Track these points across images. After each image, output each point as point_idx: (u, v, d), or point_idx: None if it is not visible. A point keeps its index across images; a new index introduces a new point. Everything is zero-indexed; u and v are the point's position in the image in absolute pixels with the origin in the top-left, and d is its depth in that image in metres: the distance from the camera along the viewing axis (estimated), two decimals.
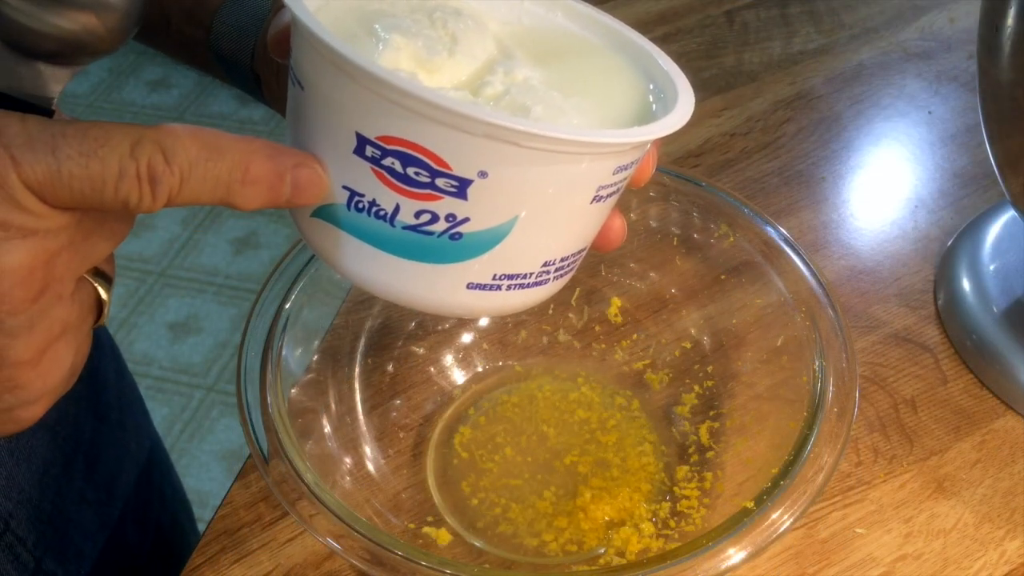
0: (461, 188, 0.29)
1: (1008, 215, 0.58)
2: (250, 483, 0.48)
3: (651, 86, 0.35)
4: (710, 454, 0.47)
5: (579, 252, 0.35)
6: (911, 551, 0.45)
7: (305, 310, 0.46)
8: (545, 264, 0.33)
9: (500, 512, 0.47)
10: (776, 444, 0.42)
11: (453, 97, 0.28)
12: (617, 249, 0.37)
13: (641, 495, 0.47)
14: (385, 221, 0.30)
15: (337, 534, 0.38)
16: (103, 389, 0.60)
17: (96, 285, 0.30)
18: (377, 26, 0.32)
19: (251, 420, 0.41)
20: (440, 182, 0.29)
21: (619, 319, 0.54)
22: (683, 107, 0.32)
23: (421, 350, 0.53)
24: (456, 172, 0.29)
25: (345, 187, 0.30)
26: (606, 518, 0.46)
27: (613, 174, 0.31)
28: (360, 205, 0.30)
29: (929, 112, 0.69)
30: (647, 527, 0.44)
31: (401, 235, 0.30)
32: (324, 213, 0.31)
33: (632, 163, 0.32)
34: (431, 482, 0.48)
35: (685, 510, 0.45)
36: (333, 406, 0.47)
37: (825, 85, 0.72)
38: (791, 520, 0.38)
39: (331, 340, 0.49)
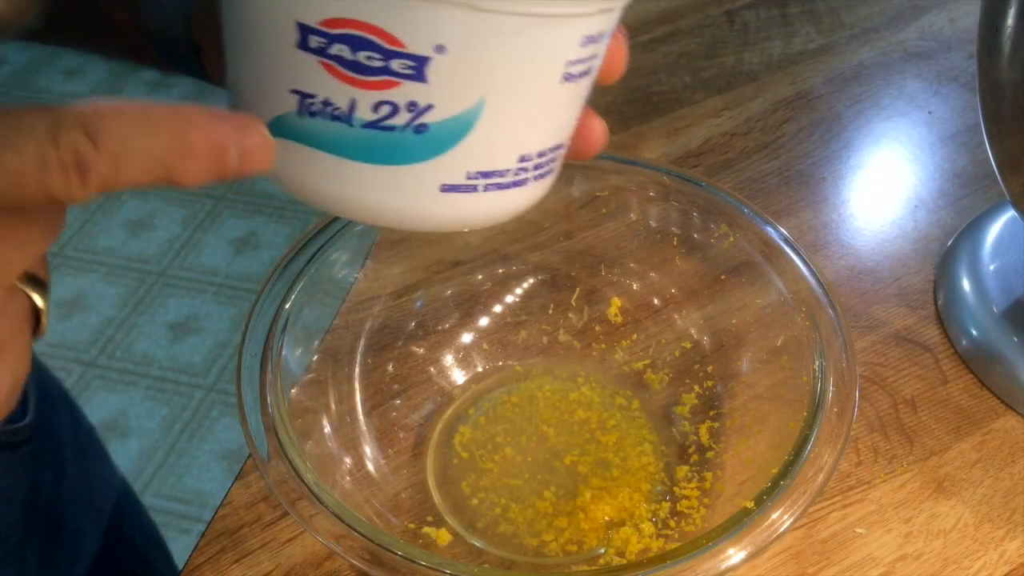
0: (419, 68, 0.27)
1: (1008, 215, 0.58)
2: (250, 483, 0.48)
3: None
4: (710, 454, 0.47)
5: (557, 147, 0.32)
6: (911, 551, 0.45)
7: (305, 310, 0.46)
8: (522, 159, 0.30)
9: (500, 512, 0.47)
10: (776, 444, 0.42)
11: None
12: (596, 153, 0.34)
13: (641, 495, 0.47)
14: (342, 121, 0.28)
15: (337, 534, 0.38)
16: (59, 445, 0.57)
17: (29, 292, 0.27)
18: None
19: (251, 420, 0.41)
20: (395, 64, 0.26)
21: (619, 319, 0.54)
22: None
23: (421, 350, 0.53)
24: (411, 50, 0.26)
25: (293, 91, 0.28)
26: (606, 518, 0.46)
27: (582, 46, 0.29)
28: (312, 108, 0.28)
29: (929, 112, 0.69)
30: (647, 527, 0.44)
31: (362, 135, 0.28)
32: (274, 127, 0.29)
33: (600, 35, 0.29)
34: (431, 482, 0.48)
35: (685, 510, 0.45)
36: (333, 406, 0.47)
37: (825, 85, 0.72)
38: (791, 520, 0.38)
39: (331, 340, 0.49)
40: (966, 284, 0.55)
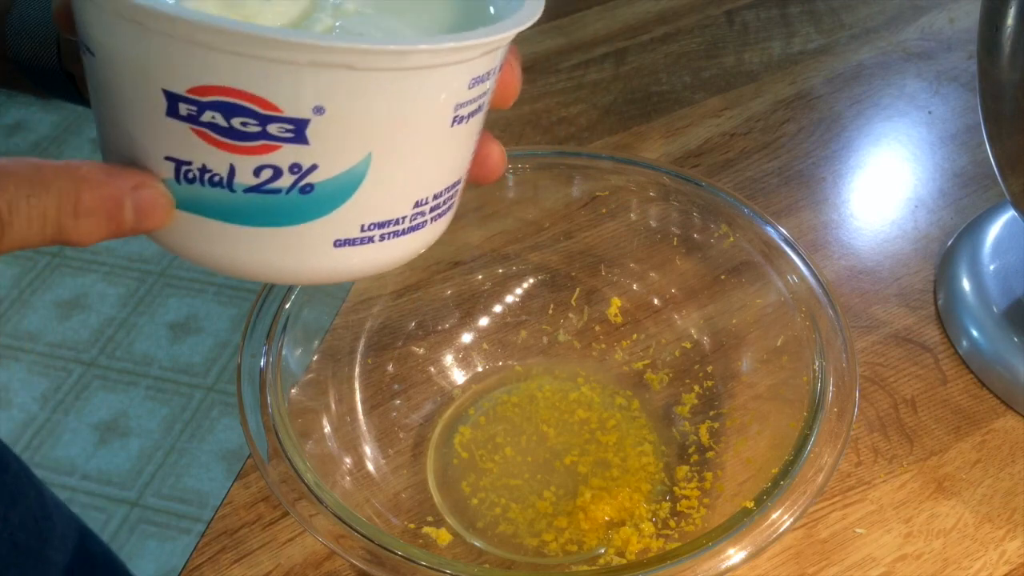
0: (299, 131, 0.25)
1: (1008, 215, 0.58)
2: (250, 483, 0.48)
3: None
4: (710, 454, 0.47)
5: (454, 185, 0.31)
6: (911, 551, 0.45)
7: (305, 310, 0.46)
8: (417, 204, 0.29)
9: (500, 512, 0.47)
10: (776, 444, 0.42)
11: (265, 26, 0.25)
12: (497, 178, 0.33)
13: (641, 495, 0.47)
14: (223, 187, 0.26)
15: (337, 534, 0.38)
16: (18, 528, 0.55)
17: None
18: None
19: (251, 420, 0.41)
20: (273, 128, 0.25)
21: (619, 319, 0.54)
22: (530, 6, 0.28)
23: (421, 350, 0.53)
24: (288, 113, 0.25)
25: (168, 158, 0.26)
26: (606, 518, 0.46)
27: (469, 88, 0.28)
28: (190, 175, 0.26)
29: (929, 112, 0.69)
30: (647, 527, 0.44)
31: (245, 200, 0.26)
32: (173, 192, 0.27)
33: (488, 73, 0.28)
34: (431, 482, 0.48)
35: (685, 510, 0.45)
36: (333, 406, 0.47)
37: (825, 85, 0.72)
38: (791, 520, 0.38)
39: (331, 340, 0.49)
40: (966, 284, 0.55)
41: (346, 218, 0.28)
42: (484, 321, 0.54)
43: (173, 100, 0.25)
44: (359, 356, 0.50)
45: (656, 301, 0.53)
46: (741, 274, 0.49)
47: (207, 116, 0.25)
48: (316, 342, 0.48)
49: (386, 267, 0.30)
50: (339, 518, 0.38)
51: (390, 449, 0.49)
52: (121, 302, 1.71)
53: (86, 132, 2.07)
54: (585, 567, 0.44)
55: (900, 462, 0.49)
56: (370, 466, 0.47)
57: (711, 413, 0.49)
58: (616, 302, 0.54)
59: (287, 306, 0.45)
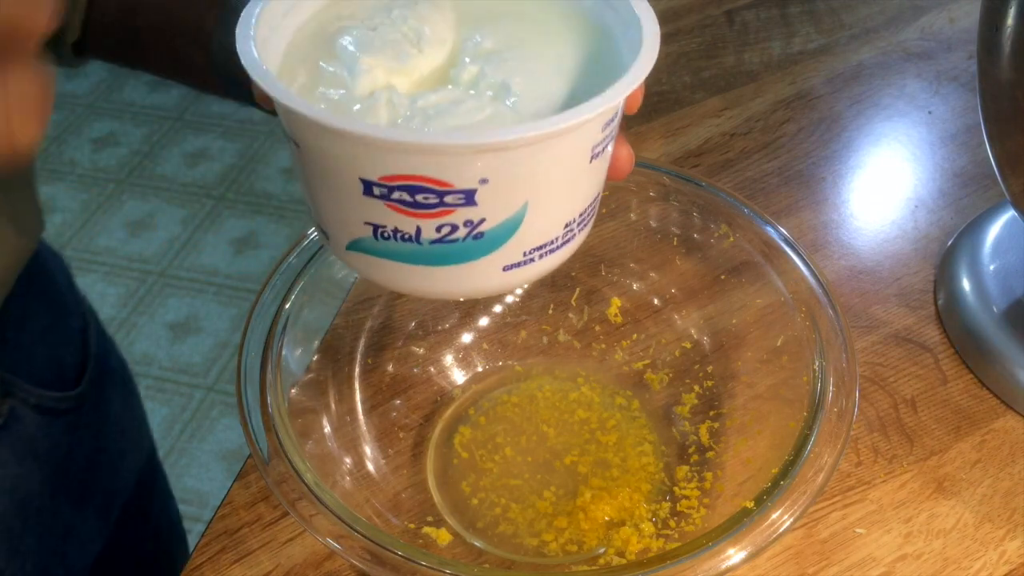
0: (468, 198, 0.31)
1: (1008, 215, 0.58)
2: (250, 483, 0.48)
3: (610, 16, 0.35)
4: (710, 454, 0.47)
5: (595, 200, 0.36)
6: (911, 551, 0.45)
7: (305, 310, 0.46)
8: (567, 225, 0.35)
9: (500, 512, 0.47)
10: (776, 444, 0.42)
11: (435, 132, 0.30)
12: (626, 175, 0.37)
13: (641, 495, 0.47)
14: (412, 242, 0.32)
15: (337, 534, 0.38)
16: (105, 419, 0.58)
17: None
18: (345, 45, 0.34)
19: (251, 420, 0.41)
20: (448, 199, 0.31)
21: (619, 319, 0.54)
22: (649, 42, 0.32)
23: (421, 350, 0.53)
24: (459, 187, 0.30)
25: (367, 223, 0.32)
26: (606, 518, 0.46)
27: (602, 131, 0.32)
28: (385, 234, 0.32)
29: (929, 112, 0.69)
30: (647, 527, 0.44)
31: (430, 249, 0.33)
32: (356, 246, 0.34)
33: (616, 114, 0.33)
34: (431, 482, 0.48)
35: (685, 510, 0.45)
36: (333, 406, 0.48)
37: (825, 85, 0.72)
38: (791, 520, 0.38)
39: (331, 340, 0.49)
40: (966, 284, 0.55)
41: (511, 249, 0.34)
42: (484, 321, 0.54)
43: (368, 185, 0.31)
44: (359, 356, 0.50)
45: (656, 301, 0.53)
46: (741, 274, 0.49)
47: (396, 195, 0.31)
48: (316, 342, 0.48)
49: (545, 275, 0.36)
50: (339, 518, 0.38)
51: (390, 449, 0.49)
52: (121, 302, 1.71)
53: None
54: (585, 567, 0.44)
55: (900, 462, 0.49)
56: (370, 466, 0.47)
57: (711, 413, 0.49)
58: (616, 302, 0.54)
59: (287, 306, 0.45)
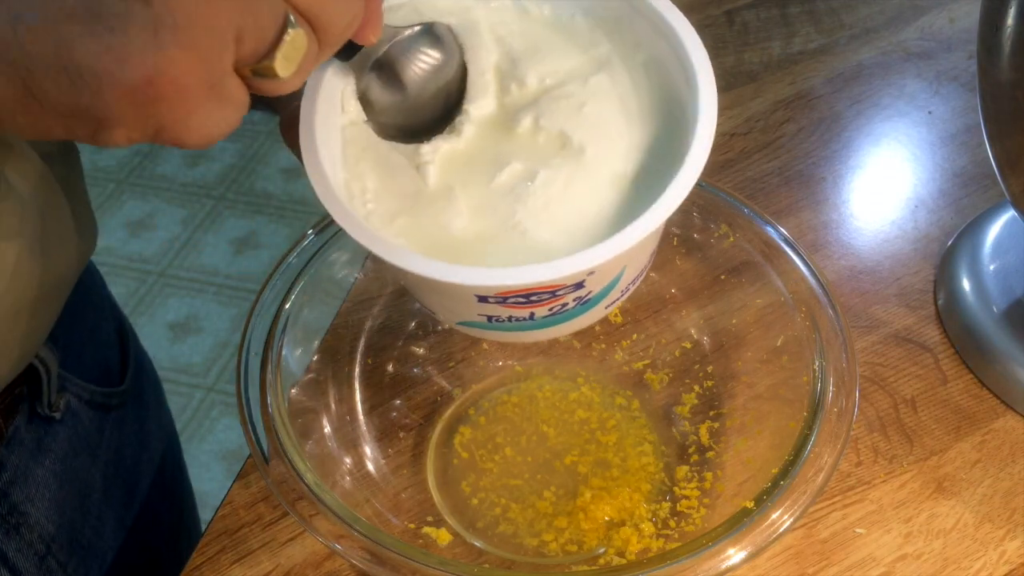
0: (578, 286, 0.34)
1: (1008, 215, 0.58)
2: (250, 483, 0.48)
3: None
4: (710, 454, 0.47)
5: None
6: (911, 551, 0.45)
7: (305, 310, 0.46)
8: (642, 270, 0.39)
9: (500, 512, 0.47)
10: (776, 444, 0.42)
11: (551, 269, 0.32)
12: None
13: (641, 495, 0.47)
14: (525, 321, 0.35)
15: (337, 534, 0.38)
16: (145, 418, 0.60)
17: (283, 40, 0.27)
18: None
19: (251, 420, 0.41)
20: (559, 292, 0.33)
21: (619, 319, 0.54)
22: (707, 114, 0.35)
23: (421, 350, 0.53)
24: (570, 283, 0.33)
25: (481, 315, 0.35)
26: (606, 518, 0.46)
27: None
28: (498, 321, 0.35)
29: (929, 112, 0.69)
30: (647, 527, 0.44)
31: (541, 322, 0.35)
32: (470, 325, 0.36)
33: None
34: (431, 482, 0.48)
35: (685, 510, 0.45)
36: (333, 406, 0.47)
37: (825, 85, 0.72)
38: (791, 520, 0.38)
39: (331, 340, 0.49)
40: (966, 284, 0.55)
41: (611, 297, 0.37)
42: None
43: (483, 298, 0.33)
44: (359, 356, 0.50)
45: (656, 301, 0.53)
46: (741, 274, 0.49)
47: (512, 300, 0.34)
48: (316, 342, 0.48)
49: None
50: (339, 518, 0.38)
51: (390, 449, 0.49)
52: (121, 302, 1.71)
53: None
54: (585, 567, 0.44)
55: (900, 462, 0.49)
56: (370, 466, 0.47)
57: (711, 413, 0.49)
58: None
59: (287, 306, 0.45)
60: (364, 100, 0.35)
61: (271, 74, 0.28)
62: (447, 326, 0.39)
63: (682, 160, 0.34)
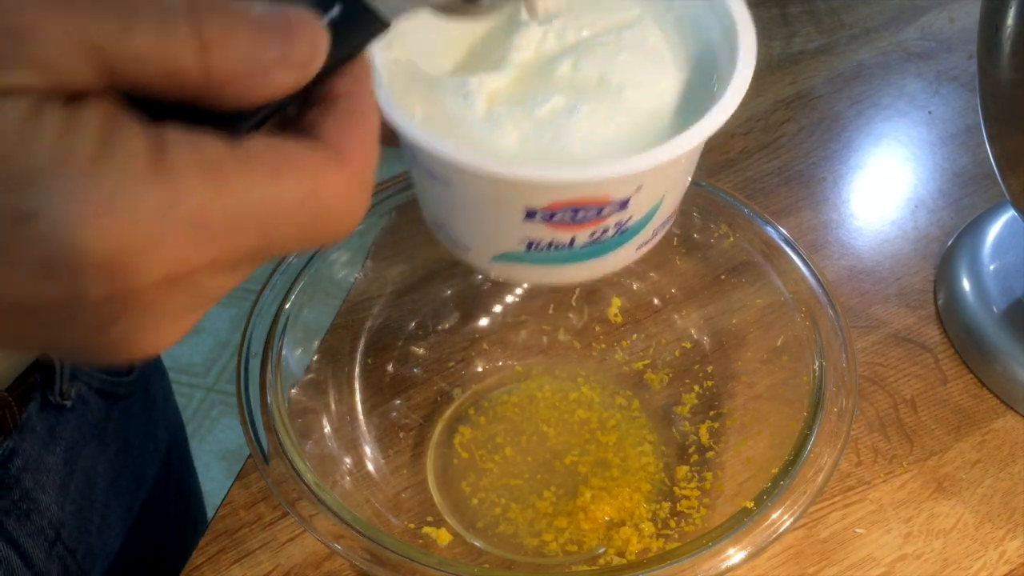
0: (623, 205, 0.33)
1: (1008, 215, 0.58)
2: (250, 483, 0.48)
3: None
4: (710, 454, 0.47)
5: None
6: (911, 551, 0.45)
7: (305, 310, 0.46)
8: (681, 201, 0.38)
9: (500, 512, 0.47)
10: (776, 444, 0.42)
11: (602, 167, 0.32)
12: None
13: (641, 495, 0.47)
14: (565, 249, 0.34)
15: (337, 534, 0.38)
16: (153, 409, 0.61)
17: None
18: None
19: (251, 420, 0.41)
20: (606, 211, 0.33)
21: (619, 319, 0.54)
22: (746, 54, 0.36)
23: (421, 350, 0.53)
24: (617, 199, 0.33)
25: (521, 240, 0.34)
26: (606, 518, 0.46)
27: None
28: (539, 247, 0.34)
29: (929, 112, 0.69)
30: (647, 527, 0.44)
31: (580, 251, 0.35)
32: (506, 258, 0.36)
33: None
34: (431, 482, 0.48)
35: (685, 510, 0.45)
36: (333, 406, 0.47)
37: (825, 85, 0.72)
38: (791, 520, 0.38)
39: (331, 340, 0.49)
40: (966, 284, 0.55)
41: (645, 233, 0.36)
42: (484, 321, 0.54)
43: (532, 212, 0.33)
44: (359, 356, 0.50)
45: (656, 301, 0.53)
46: (741, 274, 0.49)
47: (558, 216, 0.33)
48: (316, 342, 0.48)
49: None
50: (339, 518, 0.38)
51: (390, 449, 0.49)
52: None
53: None
54: (585, 567, 0.44)
55: (900, 462, 0.49)
56: (370, 466, 0.47)
57: (711, 413, 0.49)
58: (616, 302, 0.54)
59: (287, 306, 0.45)
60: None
61: None
62: (480, 267, 0.38)
63: (724, 88, 0.35)
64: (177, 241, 0.20)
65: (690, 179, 0.38)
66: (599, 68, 0.35)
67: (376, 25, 0.25)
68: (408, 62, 0.36)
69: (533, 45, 0.37)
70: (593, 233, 0.34)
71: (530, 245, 0.34)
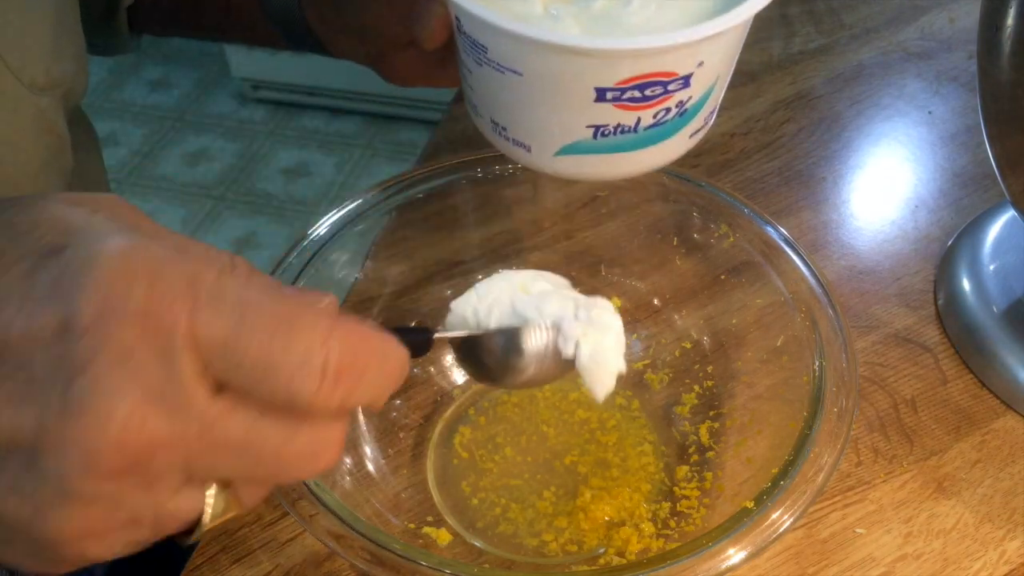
0: (686, 81, 0.34)
1: (1008, 215, 0.58)
2: None
3: None
4: (710, 454, 0.47)
5: None
6: (911, 551, 0.45)
7: None
8: (724, 89, 0.39)
9: (500, 512, 0.47)
10: (776, 444, 0.42)
11: (672, 34, 0.33)
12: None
13: (641, 495, 0.47)
14: (630, 132, 0.35)
15: (337, 534, 0.38)
16: None
17: (206, 503, 0.25)
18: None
19: None
20: (671, 87, 0.34)
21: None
22: None
23: None
24: (682, 73, 0.34)
25: (589, 126, 0.35)
26: (606, 518, 0.46)
27: None
28: (605, 132, 0.35)
29: (929, 112, 0.69)
30: (647, 527, 0.44)
31: (644, 134, 0.36)
32: (570, 149, 0.36)
33: None
34: (431, 482, 0.48)
35: (685, 510, 0.45)
36: None
37: (825, 85, 0.72)
38: (791, 520, 0.38)
39: None
40: (966, 284, 0.55)
41: (699, 118, 0.38)
42: None
43: (602, 92, 0.33)
44: None
45: (656, 301, 0.53)
46: (741, 274, 0.49)
47: (627, 95, 0.34)
48: None
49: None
50: (339, 518, 0.38)
51: (390, 449, 0.49)
52: None
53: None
54: (585, 567, 0.44)
55: (900, 462, 0.49)
56: (370, 466, 0.47)
57: (711, 413, 0.49)
58: (616, 302, 0.54)
59: None
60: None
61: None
62: (543, 164, 0.38)
63: None
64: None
65: (734, 66, 0.39)
66: None
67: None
68: None
69: None
70: (656, 114, 0.35)
71: (597, 131, 0.35)
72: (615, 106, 0.34)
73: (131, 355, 0.22)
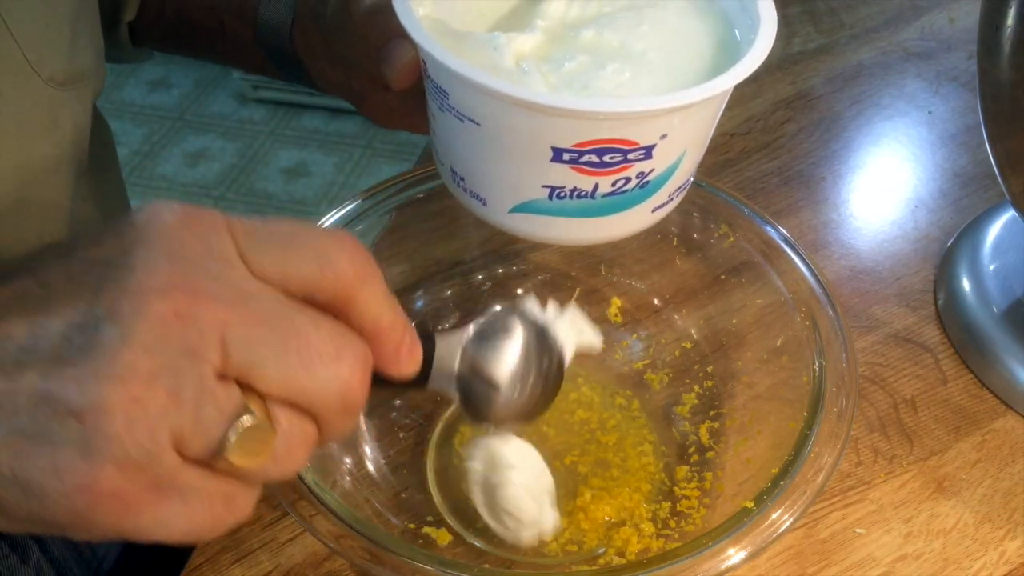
0: (648, 152, 0.34)
1: (1008, 215, 0.58)
2: None
3: None
4: (710, 454, 0.47)
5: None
6: (911, 551, 0.45)
7: None
8: (698, 166, 0.39)
9: None
10: (776, 444, 0.42)
11: (631, 100, 0.33)
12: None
13: (641, 495, 0.47)
14: (586, 198, 0.35)
15: (337, 534, 0.38)
16: None
17: (241, 422, 0.26)
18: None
19: None
20: (631, 156, 0.33)
21: (619, 319, 0.54)
22: (767, 24, 0.37)
23: None
24: (643, 144, 0.33)
25: (544, 186, 0.35)
26: (606, 518, 0.46)
27: None
28: (561, 194, 0.35)
29: (929, 112, 0.69)
30: (647, 527, 0.44)
31: (602, 202, 0.35)
32: (525, 208, 0.36)
33: None
34: (431, 482, 0.48)
35: (685, 510, 0.45)
36: None
37: (825, 85, 0.72)
38: (791, 520, 0.38)
39: None
40: (966, 284, 0.55)
41: (663, 193, 0.37)
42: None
43: (559, 152, 0.33)
44: None
45: (656, 301, 0.53)
46: (741, 274, 0.49)
47: (585, 158, 0.33)
48: None
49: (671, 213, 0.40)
50: (339, 518, 0.38)
51: (390, 449, 0.49)
52: None
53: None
54: (585, 567, 0.44)
55: (900, 462, 0.49)
56: (370, 466, 0.47)
57: (711, 413, 0.49)
58: (616, 302, 0.54)
59: None
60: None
61: (237, 467, 0.26)
62: (497, 220, 0.38)
63: (748, 46, 0.36)
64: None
65: (706, 144, 0.38)
66: (621, 36, 0.36)
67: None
68: (438, 20, 0.37)
69: (558, 16, 0.38)
70: (615, 182, 0.34)
71: (552, 192, 0.35)
72: (572, 168, 0.33)
73: (176, 237, 0.26)
